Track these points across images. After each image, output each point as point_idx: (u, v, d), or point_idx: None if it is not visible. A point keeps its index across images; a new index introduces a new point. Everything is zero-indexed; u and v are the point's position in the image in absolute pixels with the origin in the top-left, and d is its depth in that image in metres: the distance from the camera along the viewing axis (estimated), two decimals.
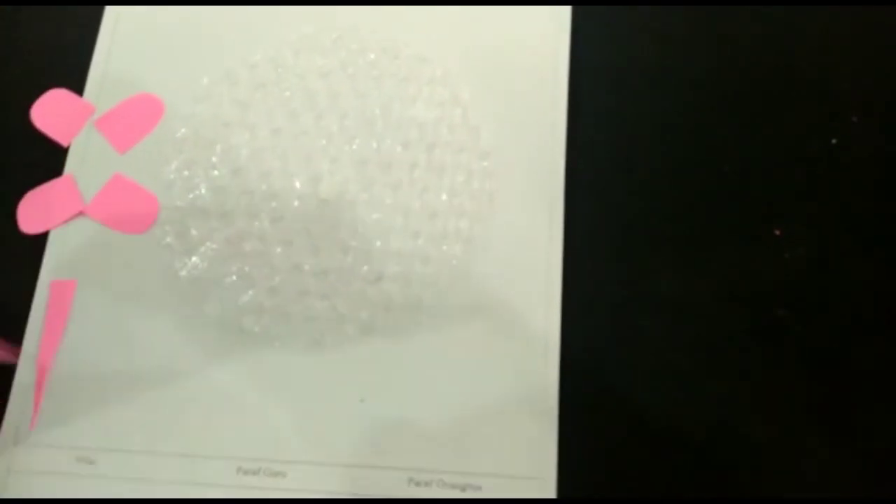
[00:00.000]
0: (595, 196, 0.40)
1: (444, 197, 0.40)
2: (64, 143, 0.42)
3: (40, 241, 0.41)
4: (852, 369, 0.37)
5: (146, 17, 0.45)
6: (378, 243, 0.39)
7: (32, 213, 0.41)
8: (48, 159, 0.42)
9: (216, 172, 0.41)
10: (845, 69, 0.42)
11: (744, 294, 0.38)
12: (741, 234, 0.39)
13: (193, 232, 0.40)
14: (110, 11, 0.45)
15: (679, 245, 0.39)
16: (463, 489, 0.35)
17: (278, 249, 0.39)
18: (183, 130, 0.42)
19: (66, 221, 0.41)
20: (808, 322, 0.38)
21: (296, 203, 0.40)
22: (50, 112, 0.43)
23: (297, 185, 0.40)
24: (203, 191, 0.41)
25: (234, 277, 0.39)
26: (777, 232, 0.39)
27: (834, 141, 0.41)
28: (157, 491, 0.36)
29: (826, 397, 0.37)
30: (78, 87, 0.43)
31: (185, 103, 0.42)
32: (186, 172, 0.41)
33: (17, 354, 0.38)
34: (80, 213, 0.41)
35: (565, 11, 0.43)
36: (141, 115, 0.42)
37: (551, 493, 0.35)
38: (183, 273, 0.39)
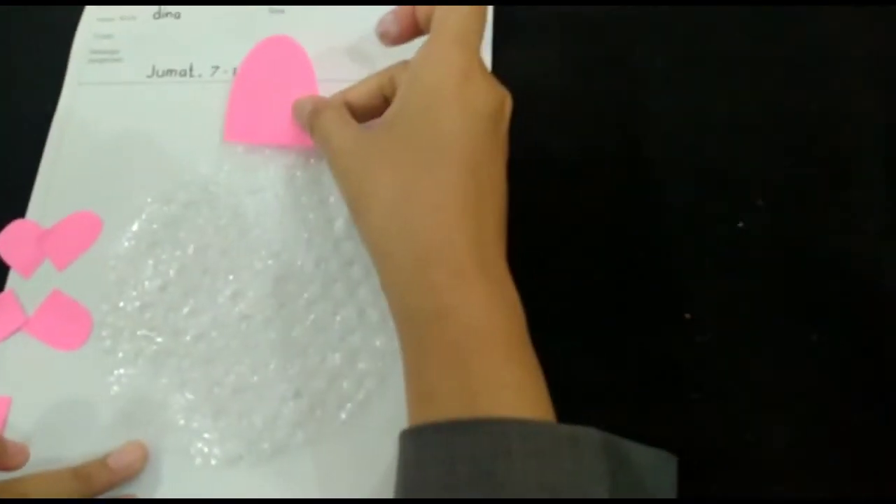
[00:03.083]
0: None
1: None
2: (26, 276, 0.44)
3: None
4: (760, 458, 0.37)
5: (92, 127, 0.47)
6: (297, 360, 0.40)
7: None
8: None
9: (147, 284, 0.43)
10: (751, 154, 0.42)
11: (656, 378, 0.38)
12: (651, 318, 0.40)
13: (126, 347, 0.42)
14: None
15: (590, 331, 0.39)
16: None
17: (197, 368, 0.41)
18: (119, 247, 0.44)
19: (6, 337, 0.43)
20: (719, 404, 0.38)
21: (217, 320, 0.42)
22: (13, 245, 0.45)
23: (220, 300, 0.42)
24: (137, 305, 0.42)
25: (161, 395, 0.41)
26: (687, 315, 0.39)
27: (741, 224, 0.41)
28: None
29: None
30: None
31: (122, 220, 0.44)
32: (120, 288, 0.43)
33: None
34: (20, 329, 0.43)
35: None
36: (80, 232, 0.44)
37: None
38: (115, 389, 0.41)
